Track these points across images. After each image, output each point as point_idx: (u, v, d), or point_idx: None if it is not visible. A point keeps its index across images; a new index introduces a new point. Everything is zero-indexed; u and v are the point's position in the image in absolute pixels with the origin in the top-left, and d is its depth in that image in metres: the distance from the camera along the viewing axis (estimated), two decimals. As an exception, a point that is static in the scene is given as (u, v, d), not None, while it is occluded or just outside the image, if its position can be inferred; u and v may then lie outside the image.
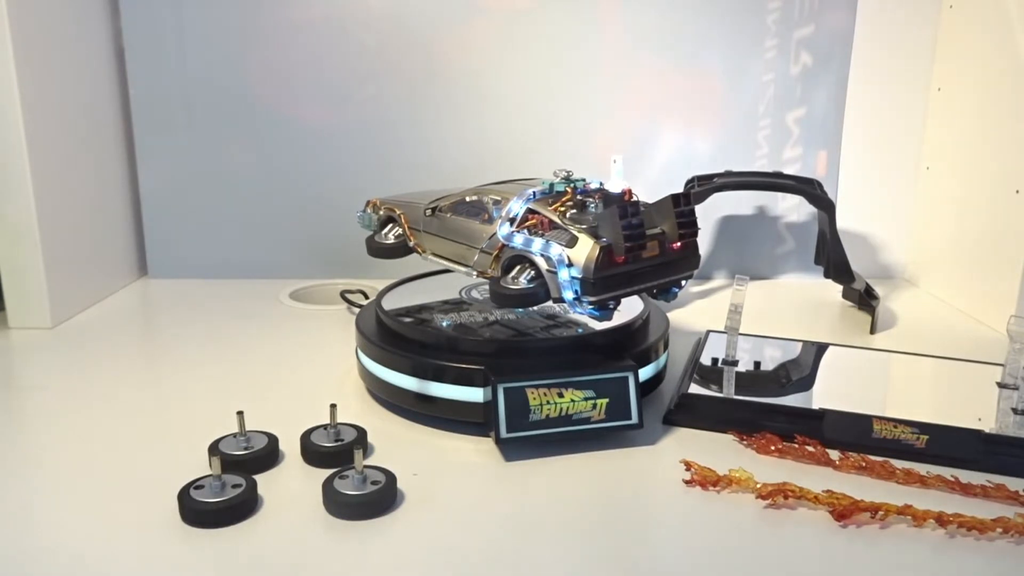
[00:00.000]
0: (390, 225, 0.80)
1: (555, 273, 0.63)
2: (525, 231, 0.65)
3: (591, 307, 0.63)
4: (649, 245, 0.64)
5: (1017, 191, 0.93)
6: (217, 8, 1.08)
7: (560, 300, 0.64)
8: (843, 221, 1.08)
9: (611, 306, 0.64)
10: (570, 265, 0.62)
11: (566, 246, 0.62)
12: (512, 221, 0.66)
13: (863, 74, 1.12)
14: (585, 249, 0.62)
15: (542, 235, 0.64)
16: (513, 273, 0.66)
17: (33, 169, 0.89)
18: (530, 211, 0.66)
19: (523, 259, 0.65)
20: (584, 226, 0.63)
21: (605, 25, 1.11)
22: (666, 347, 0.76)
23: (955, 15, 1.07)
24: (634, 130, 1.14)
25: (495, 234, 0.67)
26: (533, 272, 0.65)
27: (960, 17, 1.06)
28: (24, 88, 0.87)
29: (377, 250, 0.80)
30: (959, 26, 1.07)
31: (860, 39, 1.11)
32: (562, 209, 0.66)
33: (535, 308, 0.74)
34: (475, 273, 0.70)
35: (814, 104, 1.13)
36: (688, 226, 0.66)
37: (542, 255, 0.64)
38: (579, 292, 0.62)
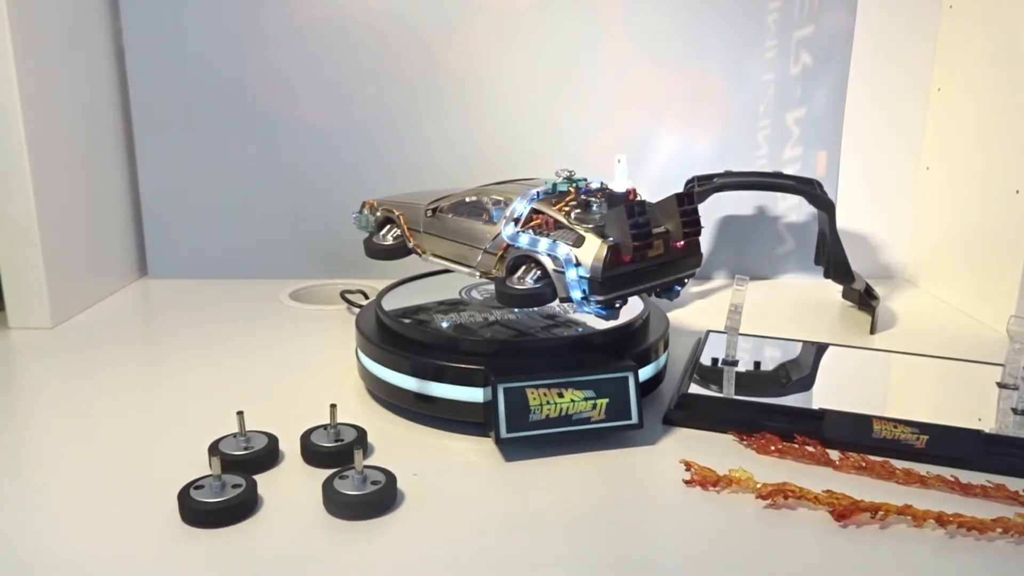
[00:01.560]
0: (388, 226, 0.80)
1: (562, 273, 0.63)
2: (530, 231, 0.65)
3: (598, 306, 0.63)
4: (655, 244, 0.64)
5: (1017, 191, 0.93)
6: (217, 8, 1.07)
7: (567, 300, 0.64)
8: (843, 221, 1.08)
9: (618, 305, 0.65)
10: (578, 265, 0.62)
11: (573, 246, 0.62)
12: (516, 221, 0.66)
13: (863, 74, 1.12)
14: (593, 249, 0.62)
15: (547, 235, 0.64)
16: (519, 273, 0.66)
17: (33, 169, 0.89)
18: (534, 211, 0.66)
19: (528, 259, 0.65)
20: (590, 226, 0.63)
21: (605, 25, 1.11)
22: (666, 347, 0.76)
23: (955, 15, 1.07)
24: (634, 130, 1.14)
25: (499, 234, 0.67)
26: (539, 272, 0.65)
27: (960, 17, 1.06)
28: (24, 88, 0.87)
29: (376, 251, 0.80)
30: (959, 26, 1.07)
31: (860, 39, 1.11)
32: (566, 209, 0.65)
33: (536, 308, 0.74)
34: (478, 274, 0.70)
35: (814, 104, 1.13)
36: (692, 225, 0.67)
37: (548, 255, 0.63)
38: (587, 292, 0.62)
